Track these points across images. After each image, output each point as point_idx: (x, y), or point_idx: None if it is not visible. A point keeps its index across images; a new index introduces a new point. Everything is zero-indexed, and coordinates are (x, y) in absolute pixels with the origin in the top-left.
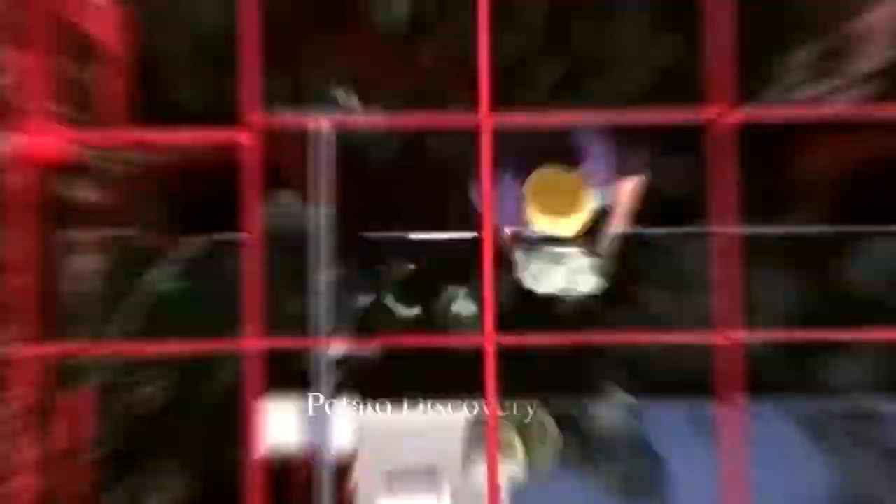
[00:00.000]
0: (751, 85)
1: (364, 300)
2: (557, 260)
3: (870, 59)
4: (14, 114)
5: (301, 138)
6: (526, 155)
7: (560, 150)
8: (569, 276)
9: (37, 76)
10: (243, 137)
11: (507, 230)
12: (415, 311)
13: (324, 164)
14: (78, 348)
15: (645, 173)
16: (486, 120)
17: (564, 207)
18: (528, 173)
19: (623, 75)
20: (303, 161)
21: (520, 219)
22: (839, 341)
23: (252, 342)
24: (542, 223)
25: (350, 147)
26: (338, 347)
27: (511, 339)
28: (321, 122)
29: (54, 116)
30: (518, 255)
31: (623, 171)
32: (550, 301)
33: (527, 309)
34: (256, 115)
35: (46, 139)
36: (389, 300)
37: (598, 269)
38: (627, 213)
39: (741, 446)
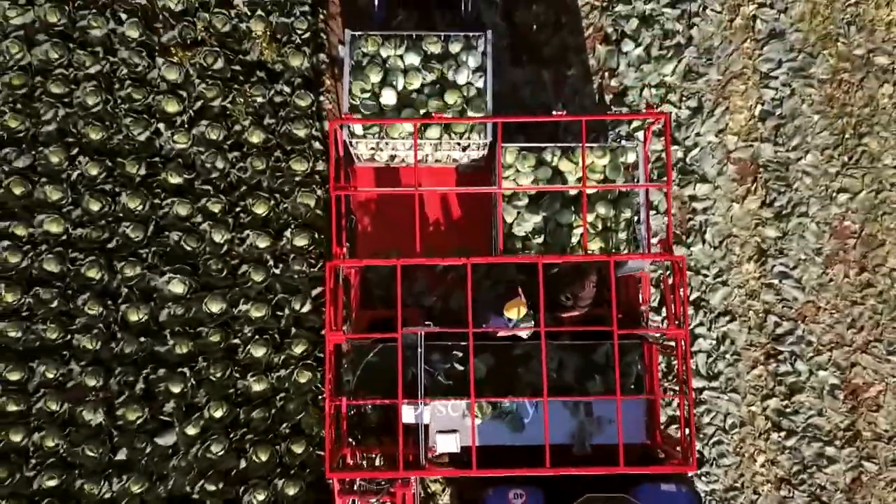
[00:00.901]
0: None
1: (444, 365)
2: (518, 325)
3: (584, 302)
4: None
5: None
6: (499, 309)
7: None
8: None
9: (330, 306)
10: (399, 335)
11: (500, 329)
12: (461, 368)
13: (421, 332)
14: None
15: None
16: (470, 328)
17: (518, 310)
18: (504, 305)
19: None
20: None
21: (505, 322)
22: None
23: (399, 387)
24: (512, 316)
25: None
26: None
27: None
28: (421, 329)
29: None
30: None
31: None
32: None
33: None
34: (401, 327)
35: (336, 336)
36: (454, 364)
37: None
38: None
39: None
